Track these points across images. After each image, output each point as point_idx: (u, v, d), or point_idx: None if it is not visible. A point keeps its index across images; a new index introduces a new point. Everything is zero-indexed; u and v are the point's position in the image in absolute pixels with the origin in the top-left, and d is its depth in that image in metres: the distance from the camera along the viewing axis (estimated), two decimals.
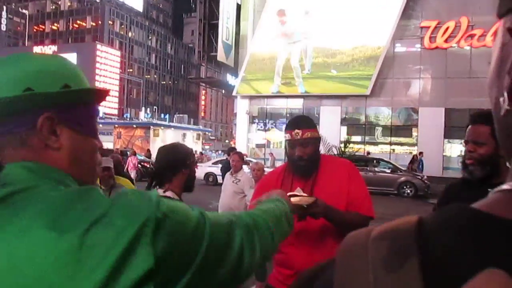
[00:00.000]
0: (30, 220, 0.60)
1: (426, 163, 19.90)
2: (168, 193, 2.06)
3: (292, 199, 1.84)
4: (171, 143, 2.38)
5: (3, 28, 58.85)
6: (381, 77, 23.21)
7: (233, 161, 5.65)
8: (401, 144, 23.88)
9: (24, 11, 62.55)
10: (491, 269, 0.25)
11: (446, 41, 22.21)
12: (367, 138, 24.36)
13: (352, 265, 0.33)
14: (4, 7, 59.61)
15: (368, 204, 2.08)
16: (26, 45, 58.23)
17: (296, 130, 2.08)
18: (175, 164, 2.14)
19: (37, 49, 52.05)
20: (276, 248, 0.93)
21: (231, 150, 10.66)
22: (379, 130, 24.36)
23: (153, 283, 0.60)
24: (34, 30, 63.22)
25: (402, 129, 23.90)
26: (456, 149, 22.20)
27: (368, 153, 21.67)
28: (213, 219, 0.76)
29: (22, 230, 0.60)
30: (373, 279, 0.30)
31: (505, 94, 0.34)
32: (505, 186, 0.34)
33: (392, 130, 23.94)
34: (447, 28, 22.14)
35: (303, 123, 2.13)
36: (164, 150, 2.23)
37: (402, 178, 16.23)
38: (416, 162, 19.48)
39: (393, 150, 23.73)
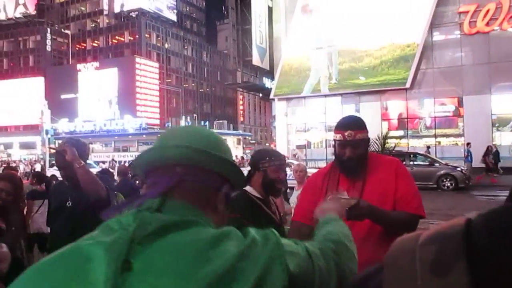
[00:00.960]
0: (192, 248, 0.74)
1: (474, 153, 19.11)
2: (248, 188, 2.34)
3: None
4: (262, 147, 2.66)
5: (48, 48, 61.74)
6: (421, 68, 22.58)
7: None
8: (447, 135, 23.09)
9: (66, 31, 65.40)
10: None
11: (487, 24, 21.34)
12: (410, 132, 23.73)
13: (400, 270, 0.33)
14: (48, 29, 62.58)
15: (417, 203, 2.02)
16: (70, 63, 60.82)
17: (349, 131, 2.05)
18: (251, 165, 2.44)
19: (80, 66, 54.26)
20: (356, 260, 1.04)
21: None
22: (422, 123, 23.67)
23: None
24: (77, 48, 65.93)
25: (446, 120, 23.13)
26: (506, 137, 21.23)
27: (428, 147, 20.86)
28: (311, 248, 0.91)
29: (185, 254, 0.72)
30: (421, 284, 0.30)
31: None
32: None
33: (436, 122, 23.20)
34: (487, 11, 21.26)
35: (355, 124, 2.09)
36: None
37: (442, 171, 15.70)
38: (491, 153, 18.05)
39: (439, 142, 22.98)
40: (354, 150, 2.05)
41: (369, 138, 2.16)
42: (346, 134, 2.05)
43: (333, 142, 2.20)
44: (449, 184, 15.40)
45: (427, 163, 16.33)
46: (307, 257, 0.86)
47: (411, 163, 16.07)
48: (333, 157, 2.20)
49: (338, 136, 2.09)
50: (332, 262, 0.91)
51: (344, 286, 0.90)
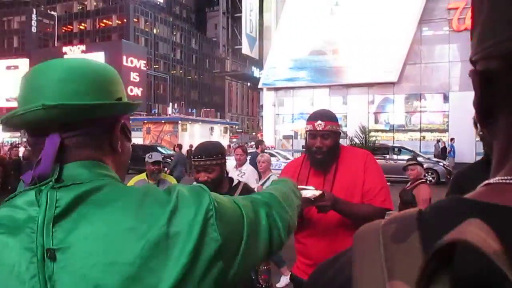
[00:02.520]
0: (116, 215, 0.67)
1: (458, 149, 19.40)
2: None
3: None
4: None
5: (34, 30, 60.46)
6: (409, 63, 22.72)
7: (236, 155, 5.69)
8: (431, 130, 23.35)
9: (52, 12, 64.09)
10: (471, 219, 0.32)
11: None
12: (395, 125, 23.94)
13: (366, 243, 0.39)
14: (34, 10, 61.20)
15: (384, 196, 2.05)
16: (56, 45, 59.73)
17: (319, 121, 2.09)
18: None
19: (66, 49, 53.33)
20: (293, 221, 0.98)
21: (259, 143, 10.70)
22: (408, 117, 23.89)
23: (222, 261, 0.70)
24: (63, 30, 64.72)
25: (432, 115, 23.37)
26: None
27: (438, 141, 20.88)
28: (242, 202, 0.84)
29: (112, 224, 0.66)
30: (383, 250, 0.37)
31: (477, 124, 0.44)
32: (491, 181, 0.41)
33: (421, 117, 23.43)
34: None
35: (326, 116, 2.14)
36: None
37: (424, 165, 15.89)
38: None
39: (423, 137, 23.23)
40: (323, 140, 2.08)
41: (340, 132, 2.19)
42: (316, 124, 2.09)
43: None
44: (431, 178, 15.63)
45: (410, 157, 16.49)
46: (236, 209, 0.79)
47: (395, 156, 16.25)
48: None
49: (309, 127, 2.13)
50: (261, 213, 0.85)
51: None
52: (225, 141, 33.55)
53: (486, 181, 0.42)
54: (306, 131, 2.18)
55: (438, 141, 20.80)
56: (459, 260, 0.32)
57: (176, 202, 0.70)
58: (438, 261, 0.31)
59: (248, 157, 6.64)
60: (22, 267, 0.63)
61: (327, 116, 2.13)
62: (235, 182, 2.38)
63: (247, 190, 2.33)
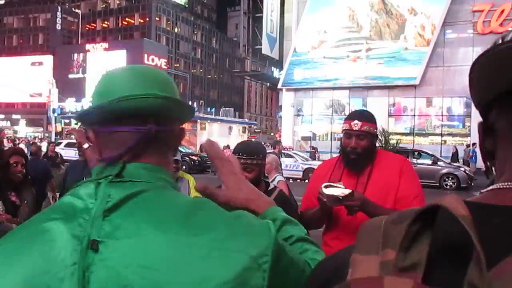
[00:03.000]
0: (162, 220, 0.66)
1: (479, 154, 19.05)
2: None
3: (328, 189, 1.79)
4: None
5: (58, 27, 61.64)
6: (431, 65, 22.38)
7: None
8: (453, 135, 22.94)
9: (77, 10, 65.26)
10: (452, 194, 0.40)
11: (501, 25, 21.09)
12: (416, 129, 23.60)
13: (370, 227, 0.47)
14: (59, 7, 62.41)
15: (418, 205, 1.86)
16: (79, 42, 60.75)
17: (356, 121, 2.04)
18: None
19: (89, 46, 54.18)
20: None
21: (276, 144, 10.71)
22: (429, 121, 23.53)
23: None
24: (87, 28, 65.80)
25: (454, 119, 22.97)
26: None
27: (470, 145, 20.34)
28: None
29: (155, 227, 0.66)
30: (383, 229, 0.44)
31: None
32: (490, 187, 0.50)
33: (443, 121, 23.06)
34: (502, 11, 21.00)
35: (363, 116, 2.09)
36: None
37: (444, 170, 15.59)
38: None
39: (445, 141, 22.84)
40: (359, 141, 2.03)
41: (376, 134, 2.13)
42: (352, 123, 2.04)
43: (338, 136, 2.18)
44: (451, 184, 15.33)
45: (430, 162, 16.23)
46: (303, 272, 0.72)
47: (414, 160, 15.97)
48: (337, 151, 2.17)
49: (345, 126, 2.08)
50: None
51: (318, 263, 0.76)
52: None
53: (482, 190, 0.52)
54: (342, 130, 2.13)
55: (468, 146, 20.25)
56: (438, 223, 0.41)
57: (234, 226, 0.68)
58: (422, 225, 0.40)
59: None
60: (67, 253, 0.65)
61: (365, 116, 2.09)
62: (271, 186, 2.30)
63: (281, 196, 2.22)
